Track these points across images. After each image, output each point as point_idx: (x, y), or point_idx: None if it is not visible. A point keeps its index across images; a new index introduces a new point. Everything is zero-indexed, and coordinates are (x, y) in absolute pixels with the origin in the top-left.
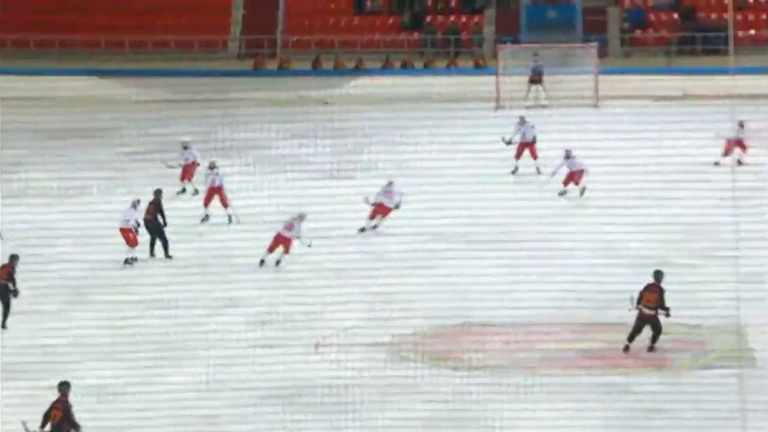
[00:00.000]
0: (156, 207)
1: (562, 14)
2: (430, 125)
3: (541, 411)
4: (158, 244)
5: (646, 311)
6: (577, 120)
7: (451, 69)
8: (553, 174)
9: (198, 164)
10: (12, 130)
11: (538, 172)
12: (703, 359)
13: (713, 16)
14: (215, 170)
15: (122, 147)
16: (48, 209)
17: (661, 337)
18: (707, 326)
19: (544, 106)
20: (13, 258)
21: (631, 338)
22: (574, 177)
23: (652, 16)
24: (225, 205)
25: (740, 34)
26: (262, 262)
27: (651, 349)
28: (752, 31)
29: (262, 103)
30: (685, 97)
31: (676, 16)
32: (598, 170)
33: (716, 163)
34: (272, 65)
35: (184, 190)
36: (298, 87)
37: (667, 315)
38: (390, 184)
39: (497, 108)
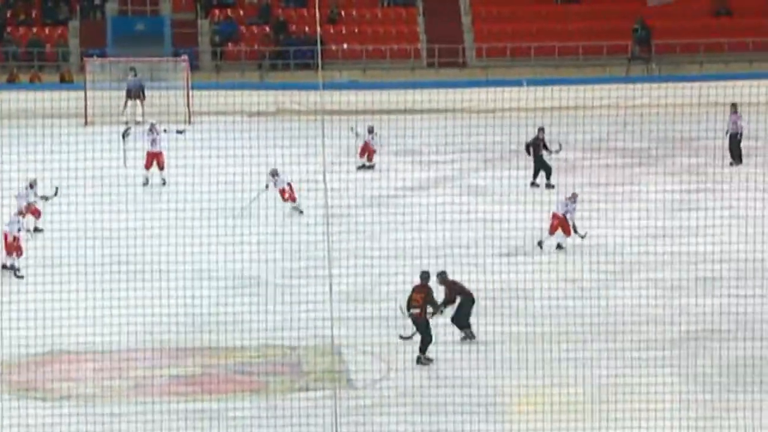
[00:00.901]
0: None
1: (151, 26)
2: (15, 143)
3: None
4: None
5: (414, 311)
6: (169, 136)
7: (35, 84)
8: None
9: None
10: None
11: (164, 183)
12: (300, 381)
13: (307, 29)
14: None
15: None
16: None
17: (258, 360)
18: (304, 347)
19: (138, 123)
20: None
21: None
22: (284, 194)
23: (243, 30)
24: None
25: (334, 47)
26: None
27: (418, 360)
28: (345, 45)
29: None
30: (278, 112)
31: (268, 29)
32: (192, 188)
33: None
34: None
35: None
36: None
37: (435, 312)
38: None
39: (86, 124)
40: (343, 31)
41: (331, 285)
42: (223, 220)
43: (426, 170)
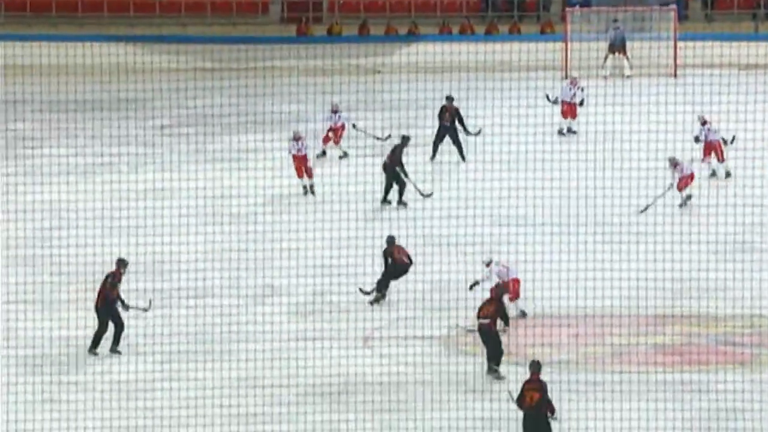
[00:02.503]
0: (396, 154)
1: None
2: (492, 96)
3: (612, 411)
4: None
5: None
6: (654, 91)
7: (514, 35)
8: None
9: (345, 127)
10: (24, 101)
11: (566, 132)
12: None
13: None
14: (300, 141)
15: (152, 120)
16: (70, 188)
17: (745, 330)
18: None
19: (628, 77)
20: (121, 263)
21: None
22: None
23: None
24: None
25: None
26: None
27: None
28: None
29: (306, 73)
30: None
31: None
32: (678, 146)
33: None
34: (318, 31)
35: (324, 153)
36: (347, 55)
37: None
38: None
39: (566, 77)
40: None
41: None
42: (710, 181)
43: None
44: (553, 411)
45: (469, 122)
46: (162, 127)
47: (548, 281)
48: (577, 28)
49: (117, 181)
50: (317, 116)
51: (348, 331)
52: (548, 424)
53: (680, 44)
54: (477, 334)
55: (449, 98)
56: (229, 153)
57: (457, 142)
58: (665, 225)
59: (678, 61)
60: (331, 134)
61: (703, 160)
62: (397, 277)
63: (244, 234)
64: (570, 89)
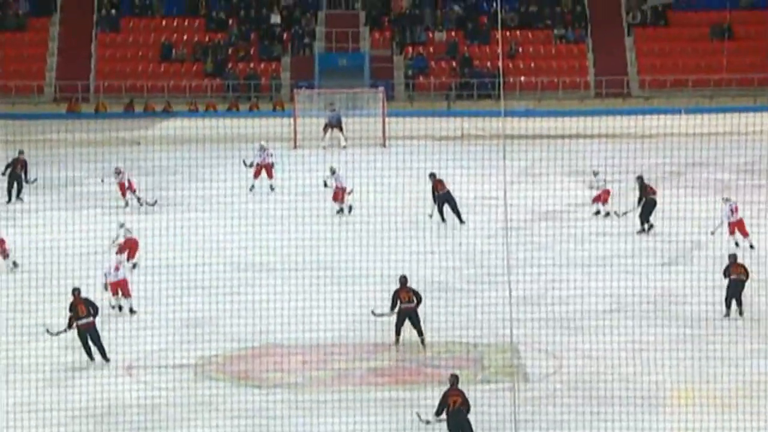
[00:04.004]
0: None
1: (353, 61)
2: (234, 163)
3: (335, 424)
4: None
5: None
6: (366, 158)
7: (252, 111)
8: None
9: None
10: None
11: (271, 189)
12: (482, 374)
13: (488, 64)
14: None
15: None
16: None
17: (443, 355)
18: (485, 344)
19: (344, 147)
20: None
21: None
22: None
23: (433, 64)
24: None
25: (511, 80)
26: (120, 307)
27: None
28: (522, 78)
29: (75, 144)
30: (462, 137)
31: (454, 64)
32: (384, 204)
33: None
34: (86, 108)
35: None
36: (112, 128)
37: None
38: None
39: (295, 147)
40: (521, 66)
41: (510, 290)
42: (414, 232)
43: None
44: (468, 411)
45: (214, 185)
46: None
47: (281, 317)
48: (303, 106)
49: None
50: (84, 180)
51: (113, 362)
52: (468, 422)
53: (388, 119)
54: (397, 316)
55: (21, 152)
56: (7, 213)
57: (20, 185)
58: (377, 269)
59: (386, 134)
60: (126, 190)
61: (335, 200)
62: None
63: (19, 281)
64: (260, 155)
